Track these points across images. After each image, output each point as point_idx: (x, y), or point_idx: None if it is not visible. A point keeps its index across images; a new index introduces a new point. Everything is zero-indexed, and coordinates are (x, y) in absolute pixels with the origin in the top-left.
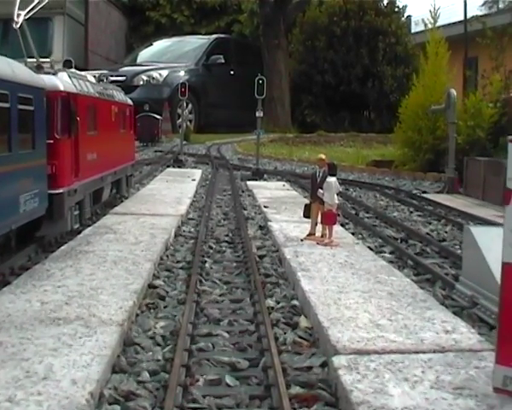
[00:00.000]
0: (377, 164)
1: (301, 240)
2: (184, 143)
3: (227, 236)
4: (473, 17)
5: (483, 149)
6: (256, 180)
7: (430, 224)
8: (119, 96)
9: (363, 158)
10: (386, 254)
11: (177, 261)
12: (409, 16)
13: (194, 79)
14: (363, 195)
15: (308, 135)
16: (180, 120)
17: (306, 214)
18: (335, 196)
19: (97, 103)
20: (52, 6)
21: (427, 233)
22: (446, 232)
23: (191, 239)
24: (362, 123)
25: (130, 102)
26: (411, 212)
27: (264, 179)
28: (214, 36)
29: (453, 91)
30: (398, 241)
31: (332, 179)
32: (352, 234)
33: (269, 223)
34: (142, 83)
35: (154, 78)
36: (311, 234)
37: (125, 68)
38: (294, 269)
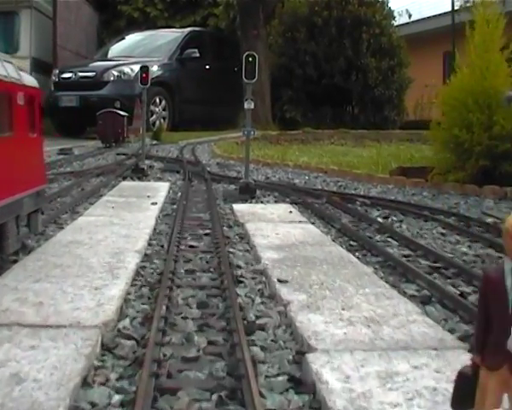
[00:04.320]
0: (405, 172)
1: None
2: (155, 143)
3: None
4: (462, 7)
5: None
6: (246, 201)
7: None
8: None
9: (383, 163)
10: None
11: None
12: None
13: (168, 74)
14: (415, 228)
15: (294, 132)
16: (153, 117)
17: (466, 406)
18: None
19: None
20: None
21: None
22: None
23: None
24: (345, 118)
25: (31, 81)
26: None
27: (258, 198)
28: (188, 29)
29: None
30: None
31: None
32: None
33: (309, 359)
34: (112, 78)
35: (125, 73)
36: None
37: (95, 64)
38: None
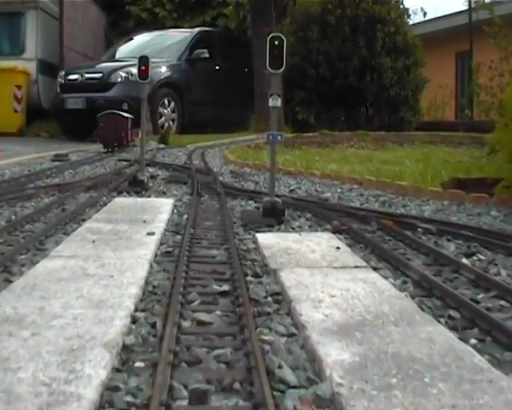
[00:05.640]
0: (461, 184)
1: None
2: (161, 146)
3: None
4: (478, 4)
5: None
6: (272, 227)
7: None
8: None
9: (433, 173)
10: None
11: None
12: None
13: (177, 75)
14: None
15: (310, 134)
16: (162, 119)
17: None
18: None
19: None
20: (25, 0)
21: None
22: None
23: None
24: (359, 120)
25: None
26: None
27: (287, 222)
28: (197, 29)
29: None
30: None
31: None
32: None
33: None
34: (119, 80)
35: (132, 74)
36: None
37: (102, 65)
38: None
